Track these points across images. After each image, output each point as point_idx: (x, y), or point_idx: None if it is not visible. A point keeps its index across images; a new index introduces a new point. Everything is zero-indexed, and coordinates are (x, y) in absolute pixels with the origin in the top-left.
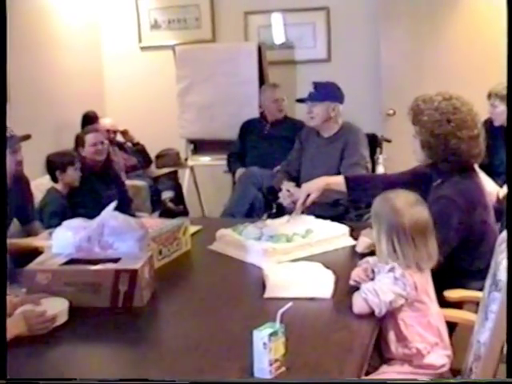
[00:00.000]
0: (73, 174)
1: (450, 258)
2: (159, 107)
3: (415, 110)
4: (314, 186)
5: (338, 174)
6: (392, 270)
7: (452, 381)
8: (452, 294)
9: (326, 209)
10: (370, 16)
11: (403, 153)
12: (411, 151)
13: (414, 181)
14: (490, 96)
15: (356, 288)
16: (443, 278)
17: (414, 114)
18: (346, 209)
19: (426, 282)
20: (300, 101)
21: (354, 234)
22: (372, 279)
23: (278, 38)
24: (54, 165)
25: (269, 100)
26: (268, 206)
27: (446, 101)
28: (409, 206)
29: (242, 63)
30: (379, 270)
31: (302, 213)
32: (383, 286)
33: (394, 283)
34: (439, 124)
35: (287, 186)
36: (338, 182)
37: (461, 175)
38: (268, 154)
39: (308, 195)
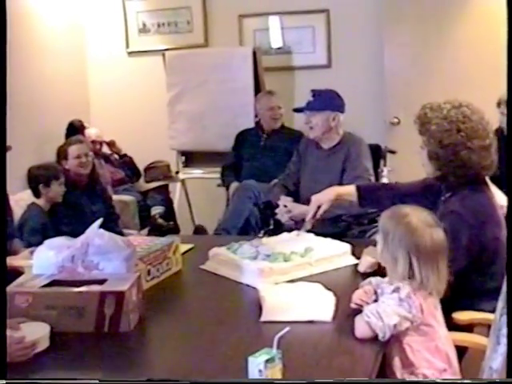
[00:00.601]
0: (57, 189)
1: (459, 277)
2: (148, 116)
3: (422, 119)
4: (325, 197)
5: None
6: (397, 290)
7: (452, 381)
8: (461, 316)
9: (327, 225)
10: (373, 18)
11: (409, 165)
12: (417, 163)
13: (425, 192)
14: (499, 104)
15: (359, 311)
16: (452, 299)
17: (421, 123)
18: (348, 225)
19: (433, 304)
20: (298, 110)
21: (357, 253)
22: (375, 301)
23: (275, 42)
24: (38, 179)
25: (264, 108)
26: (265, 222)
27: (455, 109)
28: (426, 225)
29: (236, 69)
30: (382, 291)
31: (313, 227)
32: (387, 308)
33: (398, 305)
34: (448, 133)
35: (285, 201)
36: (349, 191)
37: (471, 188)
38: (264, 166)
39: (319, 207)
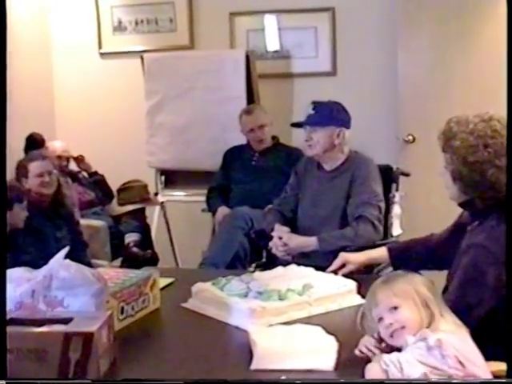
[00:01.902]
0: (19, 213)
1: (484, 322)
2: (123, 129)
3: (447, 134)
4: (355, 259)
5: (344, 215)
6: (423, 339)
7: (452, 381)
8: (488, 367)
9: (329, 258)
10: (385, 18)
11: (426, 189)
12: (436, 187)
13: (458, 234)
14: None
15: (367, 359)
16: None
17: (446, 139)
18: None
19: (467, 346)
20: (297, 125)
21: (363, 291)
22: (387, 352)
23: (271, 44)
24: None
25: (244, 130)
26: (256, 253)
27: (483, 122)
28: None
29: (226, 76)
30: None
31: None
32: (410, 357)
33: (427, 354)
34: (474, 150)
35: (280, 230)
36: (381, 255)
37: (499, 216)
38: (257, 189)
39: (343, 265)
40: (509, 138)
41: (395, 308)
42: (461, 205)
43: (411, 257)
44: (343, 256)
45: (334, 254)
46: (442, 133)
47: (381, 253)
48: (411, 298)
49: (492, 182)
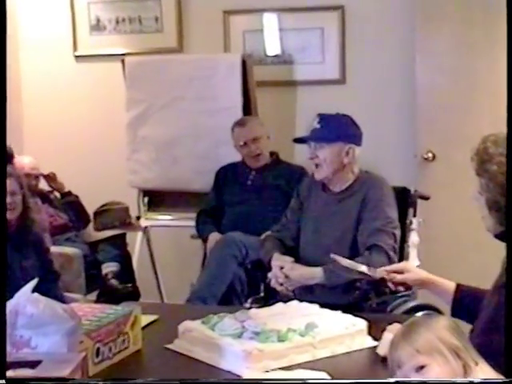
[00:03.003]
0: None
1: None
2: (101, 143)
3: (482, 156)
4: (415, 275)
5: (354, 244)
6: None
7: (452, 381)
8: None
9: (336, 294)
10: (402, 19)
11: (447, 215)
12: (459, 212)
13: None
14: None
15: None
16: None
17: (481, 161)
18: (363, 294)
19: None
20: (300, 141)
21: (375, 331)
22: None
23: (271, 48)
24: None
25: (237, 145)
26: (253, 287)
27: None
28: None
29: (219, 83)
30: None
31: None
32: None
33: None
34: None
35: (280, 260)
36: (445, 287)
37: None
38: (253, 213)
39: (399, 272)
40: (509, 138)
41: (422, 367)
42: (497, 236)
43: (474, 307)
44: (405, 263)
45: (343, 289)
46: (475, 153)
47: (446, 285)
48: (438, 351)
49: None
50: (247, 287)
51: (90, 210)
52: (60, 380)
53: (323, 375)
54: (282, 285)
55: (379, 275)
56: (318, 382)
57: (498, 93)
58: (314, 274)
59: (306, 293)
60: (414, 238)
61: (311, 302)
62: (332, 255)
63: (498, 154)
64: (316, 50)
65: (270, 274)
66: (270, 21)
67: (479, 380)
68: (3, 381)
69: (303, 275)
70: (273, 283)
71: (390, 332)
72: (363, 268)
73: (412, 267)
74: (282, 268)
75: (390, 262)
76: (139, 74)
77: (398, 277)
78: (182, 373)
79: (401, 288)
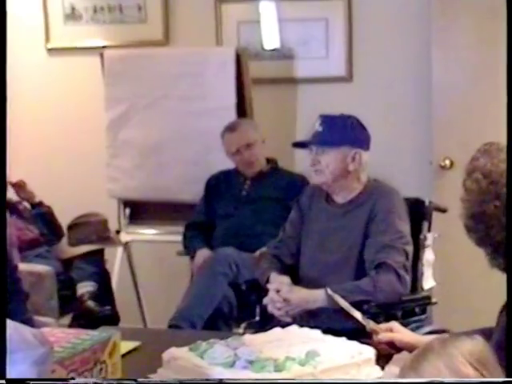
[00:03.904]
0: None
1: None
2: (76, 147)
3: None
4: (404, 338)
5: (360, 261)
6: None
7: (451, 381)
8: None
9: (341, 318)
10: (416, 9)
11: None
12: None
13: None
14: None
15: None
16: None
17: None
18: (372, 319)
19: None
20: (300, 145)
21: (384, 361)
22: None
23: (269, 41)
24: None
25: (227, 152)
26: (247, 310)
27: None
28: None
29: (210, 81)
30: None
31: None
32: None
33: None
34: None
35: (278, 281)
36: None
37: None
38: (248, 227)
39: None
40: (509, 140)
41: None
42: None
43: None
44: (393, 323)
45: (348, 313)
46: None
47: None
48: None
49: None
50: (240, 310)
51: (64, 222)
52: (60, 380)
53: None
54: (280, 310)
55: (371, 328)
56: (318, 382)
57: None
58: (315, 297)
59: (307, 317)
60: (428, 255)
61: (313, 327)
62: (329, 292)
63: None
64: (319, 43)
65: (265, 300)
66: (268, 10)
67: (479, 380)
68: (3, 381)
69: (304, 298)
70: (270, 309)
71: (396, 363)
72: (357, 315)
73: (400, 328)
74: (279, 291)
75: (401, 282)
76: (120, 70)
77: (384, 335)
78: None
79: (385, 347)
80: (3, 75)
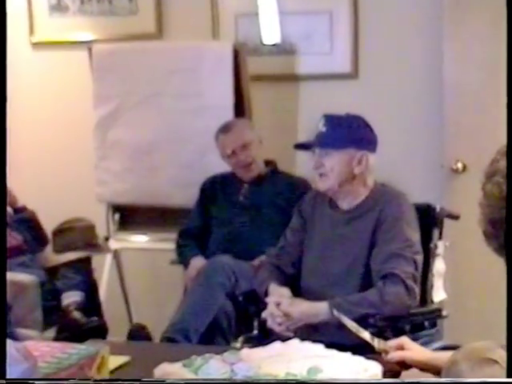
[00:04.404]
0: None
1: None
2: (62, 148)
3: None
4: (416, 356)
5: (367, 272)
6: None
7: (452, 380)
8: None
9: (345, 332)
10: (426, 1)
11: (480, 238)
12: None
13: None
14: None
15: None
16: None
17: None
18: (378, 332)
19: None
20: (302, 147)
21: (390, 378)
22: None
23: (269, 35)
24: None
25: (222, 155)
26: (244, 324)
27: None
28: None
29: (206, 77)
30: None
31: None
32: None
33: None
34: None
35: (278, 293)
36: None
37: None
38: (246, 234)
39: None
40: (509, 137)
41: None
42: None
43: None
44: (405, 339)
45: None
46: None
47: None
48: None
49: None
50: (237, 323)
51: (49, 228)
52: (61, 380)
53: None
54: (280, 325)
55: (380, 348)
56: (317, 382)
57: None
58: (318, 310)
59: (309, 331)
60: (439, 265)
61: (315, 341)
62: (335, 313)
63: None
64: (323, 37)
65: (264, 314)
66: (268, 2)
67: (479, 380)
68: (3, 381)
69: (305, 312)
70: (269, 323)
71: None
72: (366, 335)
73: (411, 344)
74: (279, 304)
75: (409, 294)
76: (109, 65)
77: (394, 354)
78: None
79: (396, 368)
80: (3, 75)
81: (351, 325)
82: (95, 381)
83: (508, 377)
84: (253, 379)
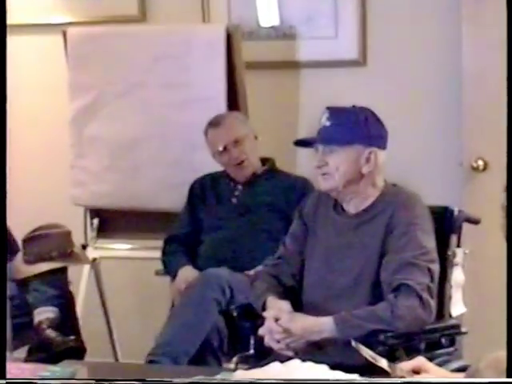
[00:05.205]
0: None
1: None
2: (34, 145)
3: None
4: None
5: (376, 283)
6: None
7: (451, 380)
8: None
9: (352, 351)
10: None
11: (503, 245)
12: None
13: None
14: None
15: None
16: None
17: None
18: (389, 351)
19: None
20: (303, 144)
21: None
22: None
23: (267, 17)
24: None
25: (212, 151)
26: (239, 341)
27: None
28: None
29: (195, 64)
30: None
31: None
32: None
33: None
34: None
35: (276, 307)
36: None
37: None
38: (241, 241)
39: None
40: (509, 134)
41: None
42: None
43: None
44: (422, 360)
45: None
46: None
47: None
48: None
49: None
50: (230, 341)
51: (19, 235)
52: (61, 380)
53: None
54: (279, 342)
55: (397, 375)
56: (317, 382)
57: None
58: (322, 326)
59: (312, 350)
60: (457, 275)
61: (318, 361)
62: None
63: None
64: (327, 20)
65: (262, 330)
66: None
67: (479, 380)
68: (3, 381)
69: (308, 328)
70: (267, 340)
71: None
72: (383, 363)
73: (429, 366)
74: (278, 319)
75: (424, 308)
76: (87, 52)
77: (410, 381)
78: None
79: None
80: (3, 75)
81: (368, 353)
82: (97, 381)
83: (508, 377)
84: (253, 379)
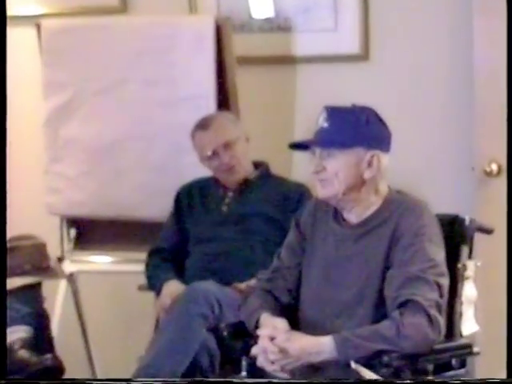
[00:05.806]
0: None
1: None
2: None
3: None
4: None
5: (380, 299)
6: None
7: (451, 381)
8: None
9: (353, 373)
10: None
11: None
12: None
13: None
14: None
15: None
16: None
17: None
18: (394, 373)
19: None
20: (299, 147)
21: None
22: None
23: (260, 8)
24: None
25: (202, 156)
26: (230, 362)
27: None
28: None
29: (181, 60)
30: None
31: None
32: None
33: None
34: None
35: (271, 325)
36: None
37: None
38: (231, 253)
39: None
40: (509, 133)
41: None
42: None
43: None
44: None
45: (364, 366)
46: None
47: None
48: None
49: None
50: (221, 362)
51: None
52: (61, 380)
53: None
54: (274, 363)
55: None
56: (317, 382)
57: None
58: (321, 347)
59: (310, 372)
60: (469, 290)
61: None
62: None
63: None
64: (326, 11)
65: (255, 349)
66: None
67: (479, 380)
68: (3, 381)
69: (306, 349)
70: (261, 362)
71: None
72: None
73: None
74: (273, 339)
75: (432, 326)
76: (62, 46)
77: None
78: None
79: None
80: (3, 75)
81: (369, 376)
82: (95, 380)
83: (508, 377)
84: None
